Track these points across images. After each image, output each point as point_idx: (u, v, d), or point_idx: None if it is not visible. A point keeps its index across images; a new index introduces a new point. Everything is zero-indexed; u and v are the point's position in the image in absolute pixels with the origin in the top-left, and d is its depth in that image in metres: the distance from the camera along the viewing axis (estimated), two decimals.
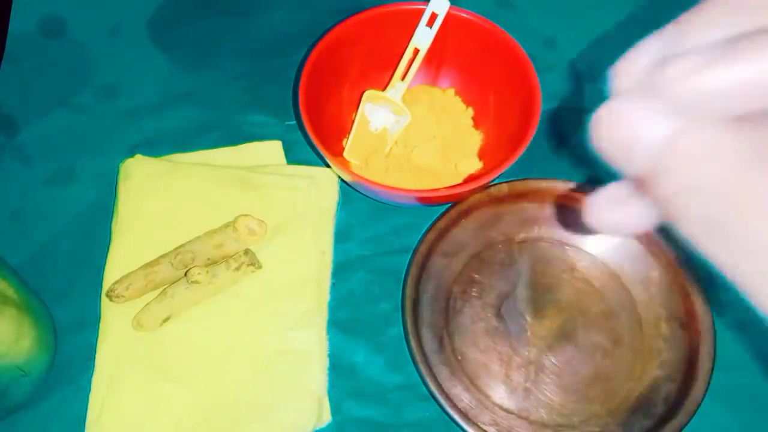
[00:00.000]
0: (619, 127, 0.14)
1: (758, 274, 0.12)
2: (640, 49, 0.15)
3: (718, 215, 0.13)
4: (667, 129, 0.13)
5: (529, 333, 0.40)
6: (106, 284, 0.41)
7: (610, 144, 0.14)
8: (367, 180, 0.39)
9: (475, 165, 0.45)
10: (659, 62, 0.13)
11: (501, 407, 0.38)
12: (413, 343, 0.38)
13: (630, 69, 0.15)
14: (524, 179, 0.43)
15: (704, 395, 0.37)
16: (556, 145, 0.47)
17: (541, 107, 0.40)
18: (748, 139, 0.13)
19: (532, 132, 0.39)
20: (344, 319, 0.41)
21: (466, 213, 0.42)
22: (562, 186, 0.42)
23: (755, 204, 0.12)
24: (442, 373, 0.38)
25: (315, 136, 0.39)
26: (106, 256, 0.42)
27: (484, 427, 0.36)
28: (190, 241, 0.41)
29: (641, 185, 0.14)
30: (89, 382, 0.38)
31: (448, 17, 0.43)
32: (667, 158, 0.13)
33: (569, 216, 0.43)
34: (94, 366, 0.39)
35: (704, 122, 0.13)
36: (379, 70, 0.47)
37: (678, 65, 0.13)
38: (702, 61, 0.12)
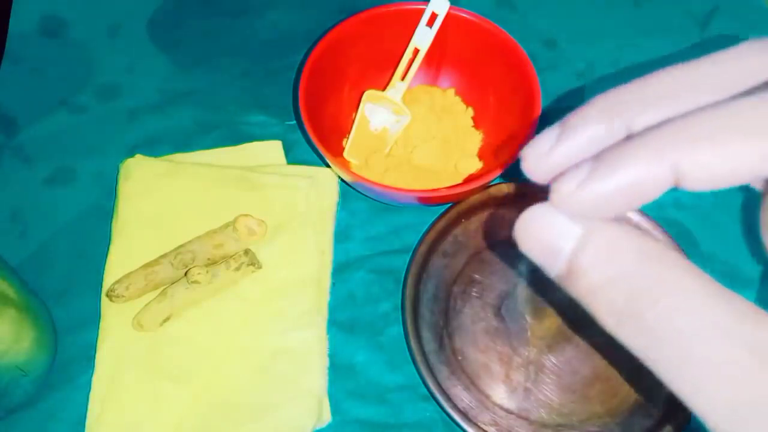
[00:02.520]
0: (534, 234, 0.16)
1: (664, 360, 0.13)
2: (537, 142, 0.17)
3: (624, 308, 0.14)
4: (574, 235, 0.15)
5: (529, 333, 0.40)
6: (106, 284, 0.41)
7: (531, 249, 0.16)
8: (367, 180, 0.39)
9: (475, 165, 0.45)
10: (552, 181, 0.16)
11: (501, 407, 0.38)
12: (413, 343, 0.38)
13: (534, 159, 0.17)
14: (524, 179, 0.43)
15: None
16: None
17: (541, 107, 0.40)
18: (639, 236, 0.15)
19: (532, 132, 0.39)
20: (344, 319, 0.41)
21: (466, 213, 0.42)
22: None
23: (652, 295, 0.14)
24: (442, 373, 0.38)
25: (315, 136, 0.39)
26: (106, 256, 0.42)
27: (484, 427, 0.36)
28: (190, 241, 0.41)
29: (563, 283, 0.16)
30: (89, 382, 0.38)
31: (448, 17, 0.43)
32: (577, 260, 0.15)
33: None
34: (94, 366, 0.39)
35: (602, 225, 0.15)
36: (379, 70, 0.47)
37: (566, 183, 0.15)
38: (583, 176, 0.15)
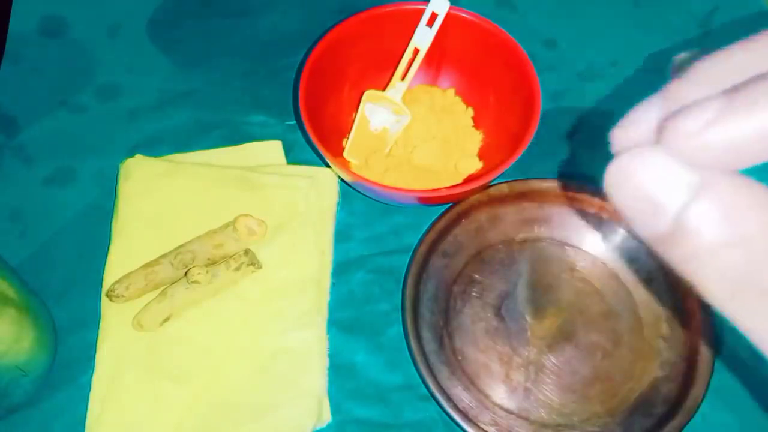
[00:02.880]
0: (635, 182, 0.13)
1: None
2: (634, 116, 0.14)
3: (744, 276, 0.12)
4: (686, 186, 0.12)
5: (529, 333, 0.40)
6: (106, 284, 0.41)
7: (626, 200, 0.13)
8: (367, 180, 0.39)
9: (475, 165, 0.45)
10: (666, 119, 0.13)
11: (501, 407, 0.38)
12: (413, 343, 0.38)
13: (629, 135, 0.14)
14: (524, 179, 0.43)
15: (704, 395, 0.37)
16: (555, 145, 0.47)
17: (541, 107, 0.40)
18: (766, 193, 0.12)
19: (532, 132, 0.39)
20: (344, 319, 0.41)
21: (466, 213, 0.42)
22: (562, 186, 0.42)
23: None
24: (442, 373, 0.38)
25: (315, 136, 0.39)
26: (106, 256, 0.42)
27: (484, 427, 0.36)
28: (190, 241, 0.41)
29: (661, 245, 0.13)
30: (89, 382, 0.38)
31: (448, 17, 0.43)
32: (688, 217, 0.12)
33: (569, 216, 0.43)
34: (94, 366, 0.39)
35: (722, 177, 0.12)
36: (379, 70, 0.47)
37: (689, 120, 0.12)
38: (712, 114, 0.12)
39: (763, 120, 0.11)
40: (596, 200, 0.42)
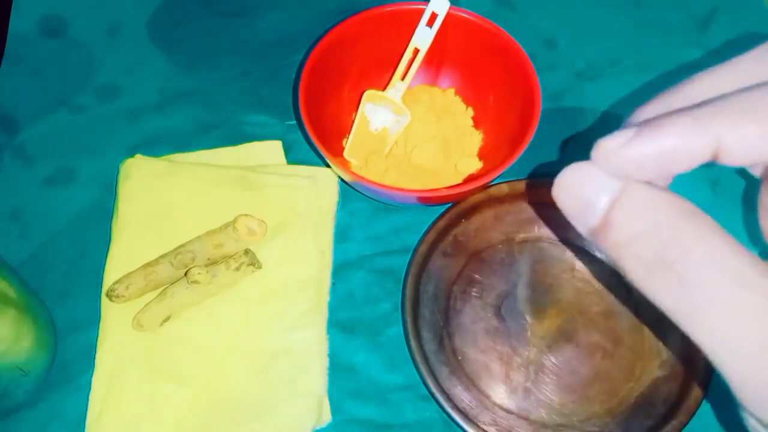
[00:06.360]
0: (573, 189, 0.17)
1: (689, 310, 0.15)
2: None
3: (654, 259, 0.15)
4: (610, 190, 0.16)
5: (529, 333, 0.40)
6: (106, 284, 0.41)
7: (567, 202, 0.17)
8: (367, 180, 0.39)
9: (475, 165, 0.45)
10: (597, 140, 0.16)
11: (501, 407, 0.38)
12: (413, 343, 0.38)
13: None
14: (524, 179, 0.43)
15: (704, 395, 0.37)
16: (555, 145, 0.47)
17: (541, 107, 0.40)
18: (673, 196, 0.16)
19: (532, 132, 0.39)
20: (344, 319, 0.41)
21: (466, 213, 0.42)
22: None
23: (684, 245, 0.15)
24: (442, 373, 0.38)
25: (315, 136, 0.39)
26: (106, 256, 0.42)
27: (484, 427, 0.36)
28: (190, 241, 0.41)
29: (593, 237, 0.17)
30: (89, 382, 0.38)
31: (448, 17, 0.43)
32: (612, 213, 0.16)
33: None
34: (94, 366, 0.39)
35: (638, 184, 0.16)
36: (379, 70, 0.47)
37: (610, 141, 0.16)
38: (627, 137, 0.15)
39: (661, 144, 0.15)
40: None
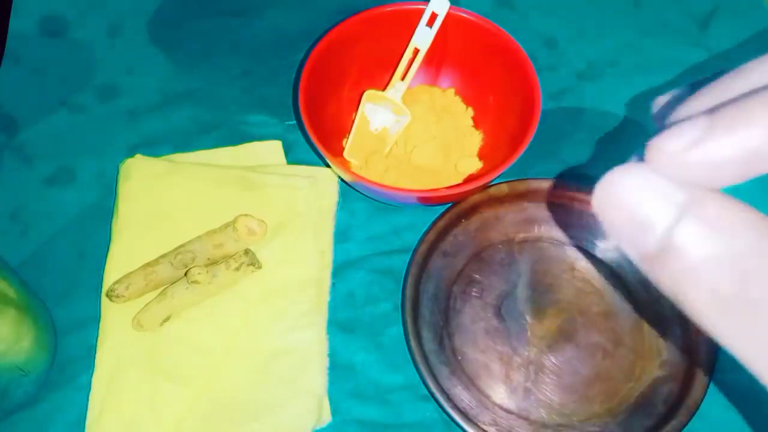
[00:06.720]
0: (621, 201, 0.13)
1: None
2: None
3: (733, 292, 0.12)
4: (673, 205, 0.12)
5: (529, 333, 0.40)
6: (106, 284, 0.41)
7: (613, 219, 0.13)
8: (366, 180, 0.39)
9: (475, 165, 0.45)
10: (651, 139, 0.13)
11: (501, 407, 0.38)
12: (413, 343, 0.38)
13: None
14: (524, 179, 0.43)
15: (704, 395, 0.37)
16: (555, 145, 0.47)
17: (541, 107, 0.40)
18: (750, 209, 0.12)
19: (532, 132, 0.39)
20: (344, 319, 0.41)
21: (466, 213, 0.42)
22: (562, 186, 0.42)
23: None
24: (442, 373, 0.38)
25: (315, 136, 0.39)
26: (106, 256, 0.42)
27: (484, 427, 0.36)
28: (190, 241, 0.41)
29: (648, 264, 0.13)
30: (89, 382, 0.38)
31: (448, 17, 0.43)
32: (676, 235, 0.12)
33: (569, 216, 0.43)
34: (94, 366, 0.39)
35: (708, 194, 0.12)
36: (379, 70, 0.47)
37: (672, 140, 0.12)
38: (694, 134, 0.12)
39: (742, 140, 0.12)
40: None
